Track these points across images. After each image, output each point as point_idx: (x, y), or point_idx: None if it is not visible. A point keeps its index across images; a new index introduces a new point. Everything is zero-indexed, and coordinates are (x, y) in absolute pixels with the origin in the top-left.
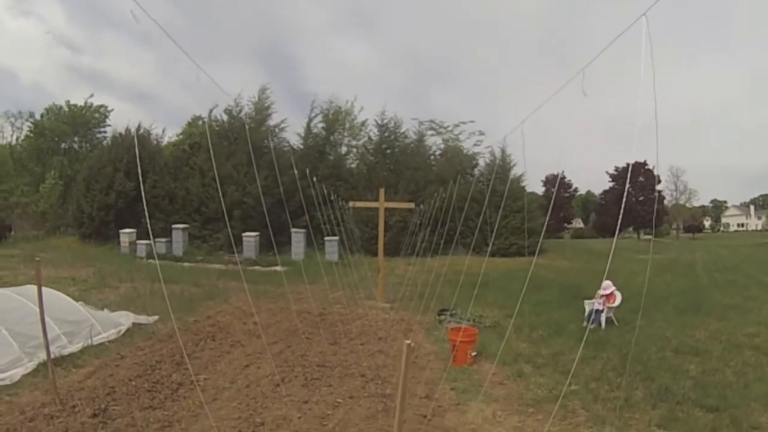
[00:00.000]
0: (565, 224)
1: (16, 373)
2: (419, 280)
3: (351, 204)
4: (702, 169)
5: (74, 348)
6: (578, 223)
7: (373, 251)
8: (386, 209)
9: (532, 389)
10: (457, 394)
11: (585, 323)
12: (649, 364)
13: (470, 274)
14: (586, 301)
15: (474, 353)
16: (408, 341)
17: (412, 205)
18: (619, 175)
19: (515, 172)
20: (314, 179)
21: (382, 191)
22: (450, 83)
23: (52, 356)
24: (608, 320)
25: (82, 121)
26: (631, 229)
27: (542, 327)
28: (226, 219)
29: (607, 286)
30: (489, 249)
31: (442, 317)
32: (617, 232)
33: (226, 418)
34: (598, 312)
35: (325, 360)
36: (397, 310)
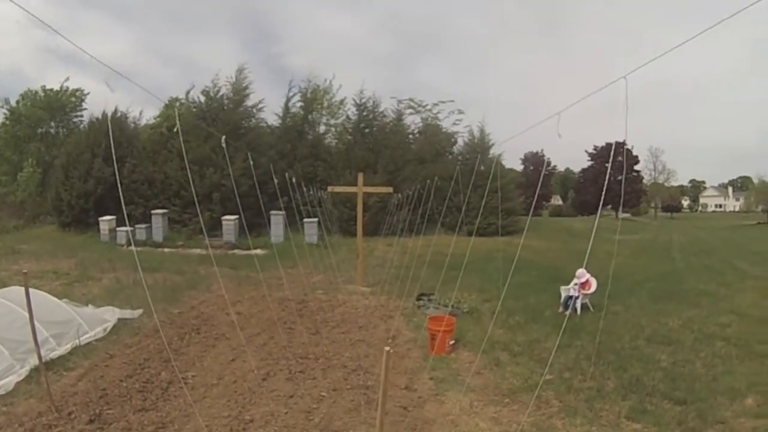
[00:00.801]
0: (544, 202)
1: (10, 381)
2: (398, 262)
3: (330, 189)
4: (681, 149)
5: (63, 350)
6: (557, 200)
7: (352, 232)
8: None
9: (507, 378)
10: (435, 383)
11: (560, 309)
12: (622, 354)
13: (449, 254)
14: (562, 287)
15: (452, 342)
16: (387, 348)
17: (390, 190)
18: (597, 154)
19: (494, 151)
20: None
21: (360, 176)
22: (433, 55)
23: (42, 360)
24: (583, 306)
25: (59, 105)
26: (609, 207)
27: (519, 312)
28: (197, 205)
29: (581, 275)
30: (459, 228)
31: (421, 302)
32: (597, 216)
33: (216, 416)
34: (573, 298)
35: (307, 351)
36: (377, 294)
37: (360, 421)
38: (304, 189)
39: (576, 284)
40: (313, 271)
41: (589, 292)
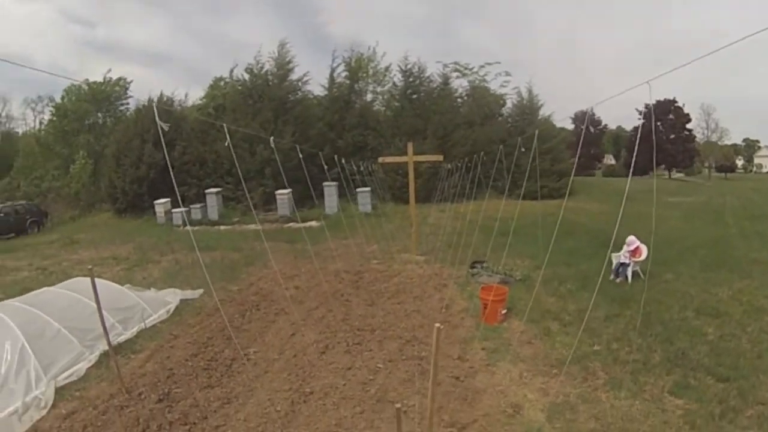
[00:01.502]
0: (596, 162)
1: (82, 367)
2: (451, 228)
3: (381, 160)
4: (734, 105)
5: (129, 334)
6: (609, 160)
7: (405, 199)
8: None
9: (557, 348)
10: (487, 354)
11: (612, 276)
12: (670, 325)
13: (501, 219)
14: (613, 254)
15: (504, 311)
16: (438, 324)
17: (441, 158)
18: (648, 112)
19: (543, 112)
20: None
21: (410, 145)
22: (473, 16)
23: (111, 345)
24: (635, 274)
25: (103, 96)
26: (662, 167)
27: (571, 280)
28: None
29: (631, 242)
30: (509, 192)
31: (474, 270)
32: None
33: (278, 390)
34: (624, 266)
35: (364, 323)
36: (431, 263)
37: (414, 391)
38: (355, 158)
39: (627, 252)
40: (368, 241)
41: (640, 259)
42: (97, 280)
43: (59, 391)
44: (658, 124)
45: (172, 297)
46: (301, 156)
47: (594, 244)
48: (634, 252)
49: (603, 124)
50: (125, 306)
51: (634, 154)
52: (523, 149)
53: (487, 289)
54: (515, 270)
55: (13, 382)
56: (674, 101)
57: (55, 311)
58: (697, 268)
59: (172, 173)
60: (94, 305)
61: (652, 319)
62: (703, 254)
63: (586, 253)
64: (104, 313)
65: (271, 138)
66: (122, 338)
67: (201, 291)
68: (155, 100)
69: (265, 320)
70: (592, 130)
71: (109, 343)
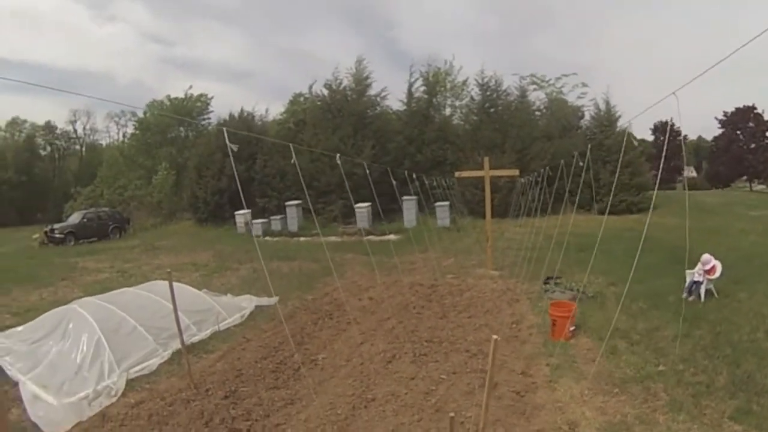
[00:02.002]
0: (677, 174)
1: (154, 363)
2: (528, 243)
3: (457, 175)
4: None
5: (203, 335)
6: (691, 172)
7: (482, 213)
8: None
9: (621, 367)
10: (551, 370)
11: (684, 294)
12: (739, 347)
13: (578, 234)
14: (687, 271)
15: (572, 328)
16: (495, 336)
17: (516, 173)
18: (728, 121)
19: (621, 123)
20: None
21: (486, 160)
22: (546, 27)
23: (184, 344)
24: (708, 292)
25: (185, 111)
26: (744, 178)
27: (643, 297)
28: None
29: (707, 261)
30: (590, 207)
31: (547, 286)
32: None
33: (341, 395)
34: (698, 284)
35: (433, 335)
36: (506, 278)
37: (473, 403)
38: (434, 173)
39: (701, 270)
40: (445, 255)
41: (714, 277)
42: (174, 283)
43: (130, 383)
44: (738, 132)
45: (247, 303)
46: (368, 172)
47: (669, 260)
48: (709, 270)
49: (683, 134)
50: (201, 309)
51: (660, 168)
52: (581, 163)
53: (556, 305)
54: (588, 286)
55: (87, 371)
56: (754, 108)
57: (133, 310)
58: None
59: (240, 187)
60: (171, 306)
61: (721, 340)
62: None
63: (660, 270)
64: (180, 314)
65: (338, 155)
66: (196, 338)
67: (276, 298)
68: (236, 115)
69: (336, 328)
70: (664, 139)
71: (182, 342)
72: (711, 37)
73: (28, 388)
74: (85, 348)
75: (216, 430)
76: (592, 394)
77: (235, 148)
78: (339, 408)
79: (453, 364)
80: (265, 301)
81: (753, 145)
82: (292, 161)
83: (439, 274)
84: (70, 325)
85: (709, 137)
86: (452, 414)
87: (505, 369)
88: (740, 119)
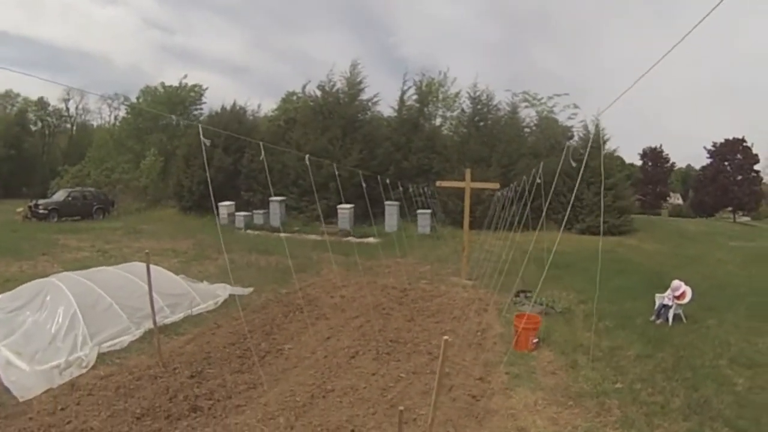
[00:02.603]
0: (662, 201)
1: (126, 339)
2: (505, 257)
3: (438, 184)
4: None
5: (176, 318)
6: (677, 199)
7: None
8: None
9: (579, 382)
10: (509, 378)
11: (653, 317)
12: (699, 371)
13: (556, 252)
14: (657, 295)
15: (535, 340)
16: (445, 337)
17: (497, 186)
18: (716, 151)
19: (609, 146)
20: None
21: (468, 171)
22: (543, 42)
23: (156, 324)
24: (676, 316)
25: (178, 100)
26: (729, 209)
27: (610, 317)
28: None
29: (677, 287)
30: (570, 226)
31: (518, 299)
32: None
33: (302, 384)
34: (666, 307)
35: (398, 336)
36: (478, 287)
37: (428, 402)
38: (419, 180)
39: (671, 295)
40: (422, 262)
41: (684, 302)
42: (152, 266)
43: (101, 356)
44: (726, 163)
45: (222, 291)
46: (361, 177)
47: (643, 285)
48: (679, 296)
49: (671, 161)
50: (176, 293)
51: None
52: (573, 164)
53: (521, 316)
54: (558, 302)
55: (61, 342)
56: (743, 140)
57: (110, 288)
58: (742, 316)
59: (209, 181)
60: (146, 287)
61: (683, 364)
62: (752, 302)
63: (633, 292)
64: (155, 295)
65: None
66: (168, 320)
67: (251, 289)
68: (228, 108)
69: (305, 322)
70: (650, 166)
71: (155, 322)
72: (702, 63)
73: (2, 353)
74: (60, 320)
75: (179, 405)
76: (546, 404)
77: (208, 143)
78: (298, 396)
79: (414, 364)
80: (239, 290)
81: (740, 177)
82: (261, 158)
83: (414, 279)
84: (48, 297)
85: (698, 166)
86: (401, 408)
87: (463, 373)
88: (729, 151)
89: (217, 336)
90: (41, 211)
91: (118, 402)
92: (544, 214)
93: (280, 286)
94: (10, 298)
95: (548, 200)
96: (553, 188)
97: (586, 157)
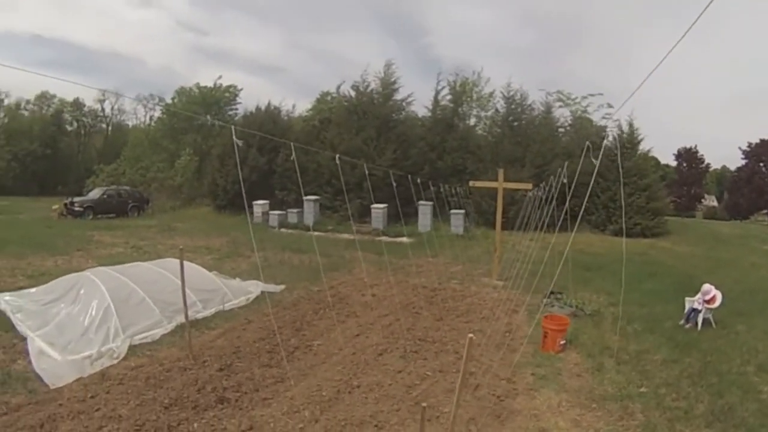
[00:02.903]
0: (697, 202)
1: (157, 333)
2: (538, 258)
3: (471, 184)
4: None
5: (208, 313)
6: (712, 201)
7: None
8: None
9: (604, 385)
10: (535, 379)
11: (682, 321)
12: (726, 378)
13: (589, 254)
14: (687, 299)
15: (563, 342)
16: (470, 335)
17: (530, 186)
18: (751, 152)
19: (643, 146)
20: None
21: (500, 172)
22: (580, 45)
23: (188, 318)
24: (705, 321)
25: (213, 100)
26: (765, 212)
27: (640, 320)
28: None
29: (707, 291)
30: (604, 227)
31: (548, 301)
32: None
33: (329, 379)
34: (696, 311)
35: (427, 335)
36: (509, 288)
37: (452, 400)
38: (453, 181)
39: (701, 299)
40: (454, 262)
41: (714, 306)
42: (186, 263)
43: (132, 348)
44: (761, 164)
45: (254, 287)
46: (394, 183)
47: (675, 288)
48: (710, 300)
49: (706, 162)
50: (208, 288)
51: None
52: (595, 162)
53: (550, 318)
54: (588, 304)
55: (93, 334)
56: None
57: (143, 282)
58: None
59: (242, 181)
60: (179, 282)
61: (709, 369)
62: None
63: (664, 296)
64: (187, 290)
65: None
66: (200, 315)
67: (283, 286)
68: (263, 108)
69: (335, 319)
70: (685, 167)
71: (186, 316)
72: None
73: (35, 343)
74: (93, 312)
75: (207, 396)
76: (569, 406)
77: (240, 143)
78: (324, 390)
79: (441, 363)
80: (271, 287)
81: None
82: (291, 158)
83: (444, 279)
84: (82, 291)
85: (733, 167)
86: (424, 404)
87: (490, 373)
88: (764, 151)
89: (248, 331)
90: (76, 209)
91: (147, 392)
92: (580, 214)
93: (311, 283)
94: (44, 291)
95: (584, 201)
96: (590, 189)
97: (619, 158)
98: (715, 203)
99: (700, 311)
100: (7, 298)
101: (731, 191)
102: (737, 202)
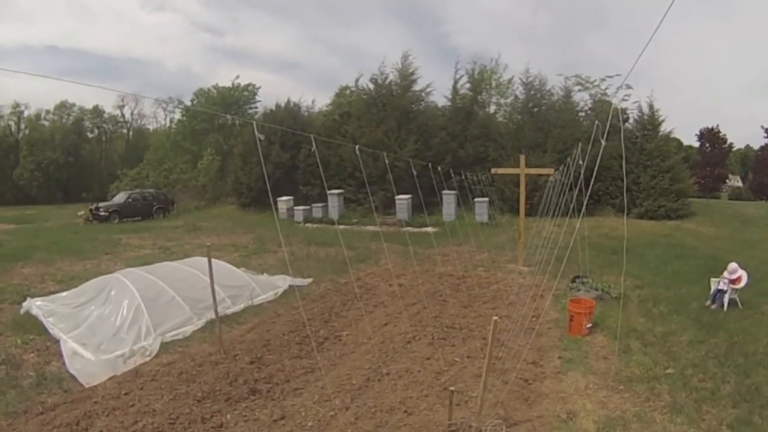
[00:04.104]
0: (721, 183)
1: (188, 329)
2: (563, 243)
3: (493, 171)
4: None
5: (237, 308)
6: (737, 182)
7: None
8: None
9: (631, 367)
10: (562, 362)
11: (708, 302)
12: (752, 358)
13: (614, 237)
14: (713, 279)
15: (589, 325)
16: (495, 317)
17: (551, 172)
18: None
19: (664, 127)
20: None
21: (522, 158)
22: (595, 29)
23: (218, 314)
24: (731, 302)
25: (232, 100)
26: None
27: (665, 302)
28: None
29: (733, 270)
30: (628, 210)
31: (574, 285)
32: None
33: (359, 368)
34: (722, 292)
35: (454, 322)
36: (534, 274)
37: (480, 384)
38: (476, 169)
39: (727, 279)
40: (479, 250)
41: (739, 286)
42: (216, 261)
43: (164, 346)
44: None
45: (282, 282)
46: (414, 171)
47: (700, 270)
48: (735, 280)
49: (729, 142)
50: (237, 284)
51: None
52: (603, 143)
53: (576, 301)
54: (614, 288)
55: (125, 333)
56: None
57: (172, 281)
58: None
59: (266, 177)
60: (208, 280)
61: (736, 350)
62: None
63: (689, 277)
64: (216, 287)
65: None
66: (230, 311)
67: (310, 280)
68: (282, 105)
69: (363, 309)
70: (707, 147)
71: (216, 312)
72: (756, 45)
73: (68, 345)
74: (125, 313)
75: (239, 388)
76: (596, 389)
77: (262, 137)
78: (354, 379)
79: (468, 349)
80: (299, 281)
81: None
82: (312, 150)
83: (470, 267)
84: (112, 292)
85: (756, 146)
86: (452, 388)
87: (517, 358)
88: None
89: (277, 324)
90: (102, 214)
91: (180, 386)
92: (603, 197)
93: (338, 276)
94: (75, 294)
95: (609, 184)
96: (595, 175)
97: (639, 140)
98: (740, 183)
99: (725, 292)
100: (38, 303)
101: (755, 171)
102: (762, 181)
